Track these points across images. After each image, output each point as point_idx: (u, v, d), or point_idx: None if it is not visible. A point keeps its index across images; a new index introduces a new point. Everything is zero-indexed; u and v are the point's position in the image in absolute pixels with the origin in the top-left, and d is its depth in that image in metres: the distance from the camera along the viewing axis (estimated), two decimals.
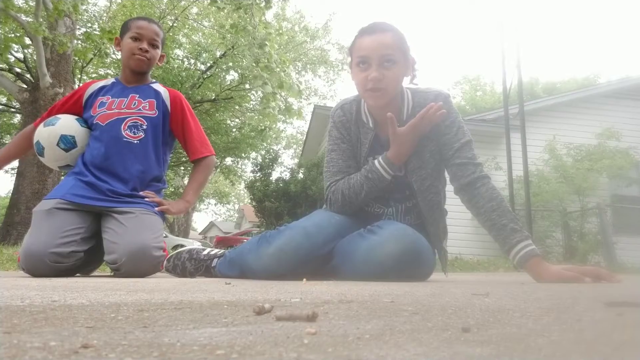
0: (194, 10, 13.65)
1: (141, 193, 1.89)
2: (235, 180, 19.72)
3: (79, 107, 2.00)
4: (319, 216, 1.57)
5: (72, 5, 6.07)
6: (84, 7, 10.44)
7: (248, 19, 5.96)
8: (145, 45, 1.95)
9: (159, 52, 2.02)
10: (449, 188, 1.63)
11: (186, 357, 0.36)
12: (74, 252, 1.71)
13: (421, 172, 1.55)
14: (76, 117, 1.97)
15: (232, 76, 14.81)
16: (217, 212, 45.78)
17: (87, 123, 1.96)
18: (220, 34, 12.53)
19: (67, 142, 1.89)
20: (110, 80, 2.06)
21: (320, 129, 12.18)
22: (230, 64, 13.73)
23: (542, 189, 7.21)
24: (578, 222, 7.26)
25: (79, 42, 9.42)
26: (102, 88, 2.02)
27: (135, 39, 1.95)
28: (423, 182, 1.55)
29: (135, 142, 1.91)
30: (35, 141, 1.91)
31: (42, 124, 1.93)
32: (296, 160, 15.80)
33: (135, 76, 2.01)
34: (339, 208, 1.60)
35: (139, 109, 1.94)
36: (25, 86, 8.42)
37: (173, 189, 17.74)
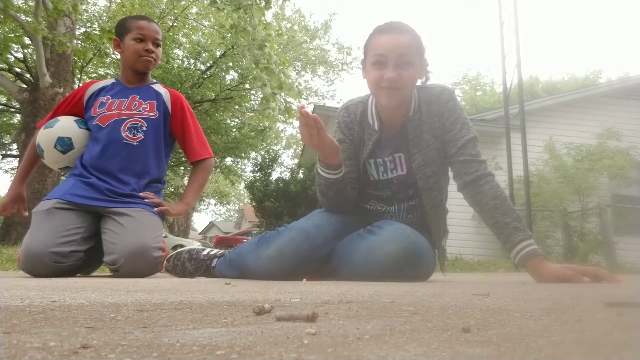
0: (194, 10, 13.64)
1: (141, 194, 1.89)
2: (235, 180, 19.72)
3: (80, 107, 2.00)
4: (318, 217, 1.57)
5: (72, 5, 6.07)
6: (83, 6, 10.45)
7: (248, 20, 5.95)
8: (150, 46, 1.95)
9: (160, 50, 2.03)
10: (451, 188, 1.63)
11: (186, 358, 0.36)
12: (74, 252, 1.71)
13: (426, 169, 1.55)
14: (75, 118, 1.97)
15: (232, 76, 14.82)
16: (217, 212, 45.85)
17: (86, 124, 1.96)
18: (220, 34, 12.54)
19: (64, 144, 1.89)
20: (110, 81, 2.06)
21: None
22: (230, 63, 13.73)
23: (542, 189, 7.21)
24: (578, 222, 7.26)
25: (79, 42, 9.42)
26: (102, 88, 2.02)
27: (140, 40, 1.95)
28: (428, 180, 1.55)
29: (135, 143, 1.91)
30: (36, 143, 1.92)
31: (43, 126, 1.94)
32: (296, 160, 15.81)
33: (137, 77, 2.01)
34: (325, 206, 1.62)
35: (139, 110, 1.94)
36: (24, 86, 8.43)
37: (173, 189, 17.74)
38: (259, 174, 9.57)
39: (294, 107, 6.65)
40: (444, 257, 1.73)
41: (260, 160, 10.04)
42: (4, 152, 15.59)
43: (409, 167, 1.58)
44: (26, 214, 2.04)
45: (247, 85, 13.80)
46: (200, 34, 14.53)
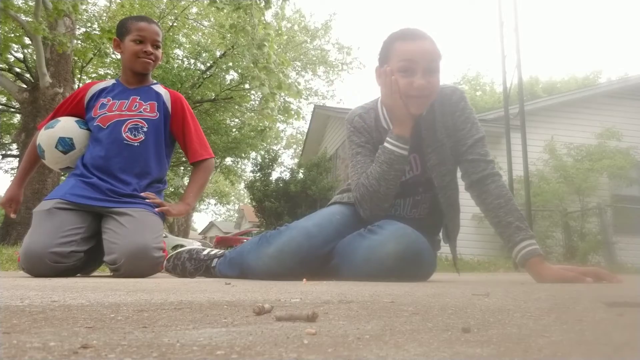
0: (194, 10, 13.65)
1: (142, 194, 1.89)
2: (235, 180, 19.72)
3: (80, 108, 2.01)
4: (319, 216, 1.57)
5: (72, 5, 6.07)
6: (83, 6, 10.46)
7: (247, 19, 5.95)
8: (149, 48, 1.95)
9: (161, 51, 2.04)
10: (461, 187, 1.64)
11: (186, 358, 0.36)
12: (74, 252, 1.71)
13: (441, 168, 1.56)
14: (76, 118, 1.97)
15: (232, 76, 14.83)
16: (217, 212, 45.88)
17: (87, 125, 1.97)
18: (220, 34, 12.54)
19: (65, 145, 1.90)
20: (111, 82, 2.06)
21: (320, 129, 12.19)
22: (230, 63, 13.74)
23: (542, 189, 7.21)
24: (578, 222, 7.26)
25: (79, 42, 9.42)
26: (103, 90, 2.02)
27: (139, 41, 1.95)
28: (443, 179, 1.56)
29: (136, 144, 1.91)
30: (37, 144, 1.93)
31: (44, 127, 1.94)
32: (296, 160, 15.82)
33: (137, 77, 2.02)
34: (365, 205, 1.53)
35: (140, 111, 1.95)
36: (24, 86, 8.43)
37: (173, 189, 17.74)
38: (259, 174, 9.59)
39: (294, 107, 6.66)
40: (455, 255, 1.74)
41: (260, 160, 10.05)
42: (4, 152, 15.59)
43: (423, 166, 1.59)
44: (14, 216, 2.04)
45: (247, 85, 13.79)
46: (200, 34, 14.53)
